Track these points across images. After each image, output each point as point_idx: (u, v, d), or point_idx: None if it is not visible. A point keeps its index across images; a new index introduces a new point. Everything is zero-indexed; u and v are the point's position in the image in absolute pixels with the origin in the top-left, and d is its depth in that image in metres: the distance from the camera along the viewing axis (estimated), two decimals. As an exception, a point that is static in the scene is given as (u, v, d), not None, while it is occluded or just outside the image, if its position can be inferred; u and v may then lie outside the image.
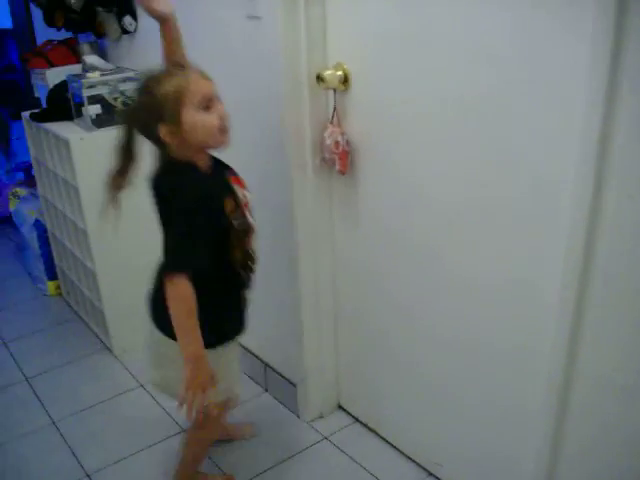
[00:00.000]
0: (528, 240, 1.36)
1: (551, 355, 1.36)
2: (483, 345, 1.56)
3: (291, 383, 2.15)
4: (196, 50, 1.57)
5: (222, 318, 1.56)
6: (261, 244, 1.59)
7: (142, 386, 2.34)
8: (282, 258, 1.94)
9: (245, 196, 1.53)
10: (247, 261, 1.55)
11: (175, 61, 1.50)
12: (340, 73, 1.63)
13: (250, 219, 1.53)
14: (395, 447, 1.97)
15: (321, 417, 2.14)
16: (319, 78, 1.62)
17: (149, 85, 1.40)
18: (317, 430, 2.09)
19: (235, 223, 1.47)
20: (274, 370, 2.24)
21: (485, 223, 1.44)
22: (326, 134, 1.69)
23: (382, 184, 1.69)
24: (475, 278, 1.51)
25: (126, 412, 2.23)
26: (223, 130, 1.42)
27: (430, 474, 1.87)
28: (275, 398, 2.26)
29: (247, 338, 2.30)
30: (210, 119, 1.39)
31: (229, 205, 1.46)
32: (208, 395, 1.46)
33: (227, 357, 1.62)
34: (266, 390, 2.31)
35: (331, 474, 1.91)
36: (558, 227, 1.27)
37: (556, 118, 1.22)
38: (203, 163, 1.46)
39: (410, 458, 1.92)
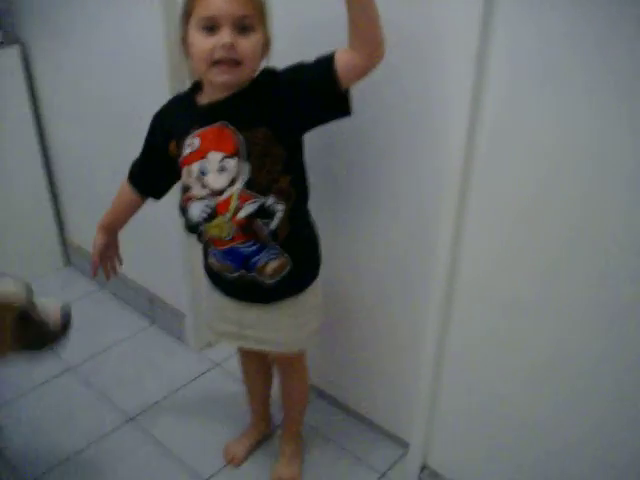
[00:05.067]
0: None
1: (432, 269, 1.42)
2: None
3: (179, 313, 2.14)
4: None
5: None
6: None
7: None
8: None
9: (207, 159, 1.26)
10: (187, 223, 1.37)
11: None
12: None
13: (193, 183, 1.30)
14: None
15: (210, 346, 2.15)
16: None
17: None
18: (208, 357, 2.11)
19: (181, 171, 1.33)
20: (161, 300, 2.22)
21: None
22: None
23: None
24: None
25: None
26: (210, 62, 1.18)
27: (320, 393, 1.93)
28: (163, 329, 2.25)
29: (132, 271, 2.28)
30: (201, 44, 1.18)
31: (172, 147, 1.33)
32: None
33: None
34: (154, 322, 2.29)
35: (225, 398, 1.94)
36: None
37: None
38: (207, 94, 1.28)
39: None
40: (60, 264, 2.63)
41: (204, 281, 1.51)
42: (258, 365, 1.66)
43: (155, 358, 2.12)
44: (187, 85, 1.67)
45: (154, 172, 1.45)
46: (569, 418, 1.32)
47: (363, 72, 1.17)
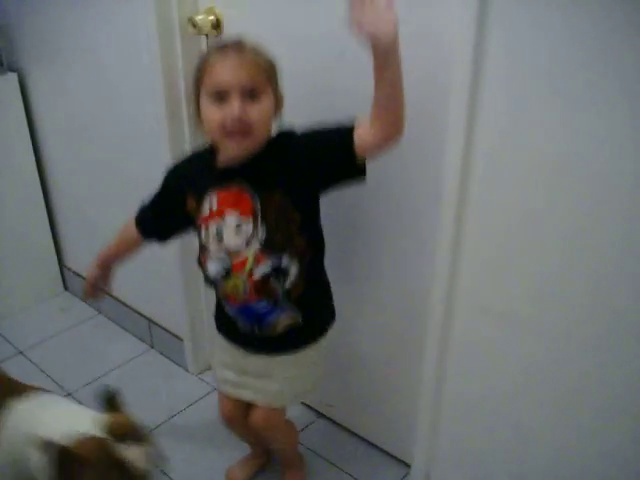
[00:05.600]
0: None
1: (433, 288, 1.42)
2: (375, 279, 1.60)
3: (177, 337, 2.14)
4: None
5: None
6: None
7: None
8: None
9: (223, 219, 1.28)
10: (206, 279, 1.40)
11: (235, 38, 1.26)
12: (212, 18, 1.57)
13: (210, 243, 1.32)
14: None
15: (209, 369, 2.14)
16: (191, 23, 1.55)
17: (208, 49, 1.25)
18: (206, 382, 2.10)
19: (200, 230, 1.35)
20: (159, 325, 2.21)
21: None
22: (200, 81, 1.63)
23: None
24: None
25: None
26: (223, 131, 1.21)
27: (320, 415, 1.93)
28: (161, 354, 2.24)
29: (130, 296, 2.28)
30: (213, 113, 1.20)
31: (190, 203, 1.34)
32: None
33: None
34: (152, 347, 2.28)
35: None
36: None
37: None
38: (222, 157, 1.30)
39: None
40: (59, 289, 2.63)
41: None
42: (242, 408, 1.56)
43: (154, 382, 2.11)
44: (183, 109, 1.71)
45: (164, 223, 1.47)
46: (580, 439, 1.32)
47: (379, 151, 1.20)
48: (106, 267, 1.59)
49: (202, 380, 2.11)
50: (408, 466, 1.71)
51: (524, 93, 1.13)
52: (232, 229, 1.28)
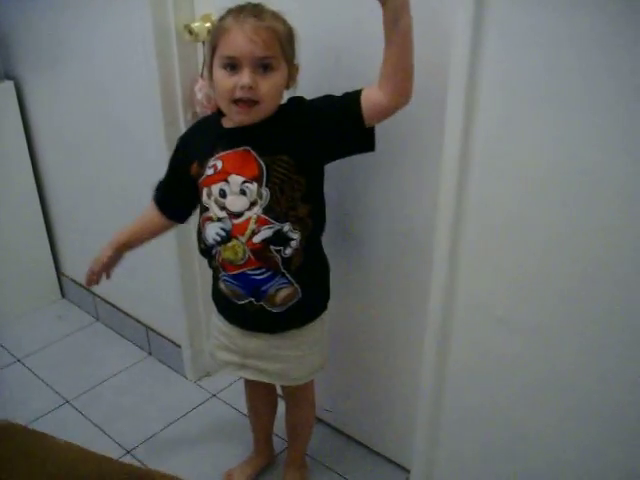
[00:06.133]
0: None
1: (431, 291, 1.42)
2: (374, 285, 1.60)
3: (175, 344, 2.14)
4: None
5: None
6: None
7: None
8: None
9: (227, 181, 1.27)
10: (201, 245, 1.39)
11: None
12: (208, 25, 1.58)
13: (211, 204, 1.31)
14: (282, 396, 2.01)
15: (208, 375, 2.14)
16: (188, 30, 1.56)
17: (227, 11, 1.23)
18: (205, 388, 2.10)
19: (201, 192, 1.33)
20: (157, 332, 2.21)
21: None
22: (197, 88, 1.63)
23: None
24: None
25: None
26: (230, 100, 1.21)
27: (319, 420, 1.93)
28: (160, 361, 2.24)
29: (128, 302, 2.28)
30: (224, 82, 1.20)
31: (194, 167, 1.33)
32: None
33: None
34: (150, 354, 2.28)
35: (223, 428, 1.93)
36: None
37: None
38: (229, 122, 1.30)
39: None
40: (56, 296, 2.62)
41: (209, 309, 1.50)
42: (264, 395, 1.64)
43: (152, 390, 2.10)
44: (180, 116, 1.72)
45: (178, 194, 1.43)
46: (576, 445, 1.32)
47: (388, 113, 1.21)
48: (121, 252, 1.50)
49: (201, 387, 2.10)
50: (407, 471, 1.71)
51: (520, 96, 1.13)
52: (236, 191, 1.27)
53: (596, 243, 1.13)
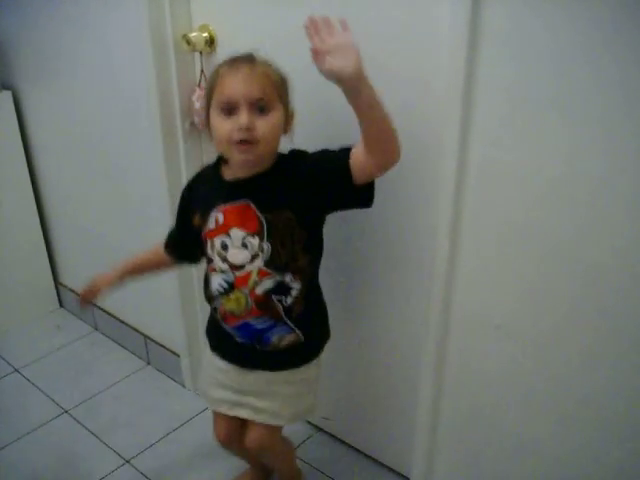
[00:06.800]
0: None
1: (428, 300, 1.42)
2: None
3: (174, 354, 2.13)
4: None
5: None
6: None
7: (14, 371, 2.23)
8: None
9: (228, 235, 1.28)
10: (206, 293, 1.40)
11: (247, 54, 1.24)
12: (206, 35, 1.58)
13: (214, 256, 1.31)
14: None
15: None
16: (186, 40, 1.56)
17: (222, 62, 1.25)
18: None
19: (205, 243, 1.34)
20: (155, 342, 2.21)
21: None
22: (194, 97, 1.64)
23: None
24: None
25: None
26: (232, 143, 1.20)
27: (318, 429, 1.92)
28: (158, 370, 2.24)
29: (126, 312, 2.28)
30: (222, 126, 1.20)
31: (196, 219, 1.34)
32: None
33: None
34: (148, 363, 2.27)
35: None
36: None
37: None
38: (232, 169, 1.29)
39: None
40: (54, 306, 2.62)
41: (203, 340, 1.49)
42: (238, 434, 1.52)
43: (151, 399, 2.10)
44: (177, 126, 1.72)
45: (188, 242, 1.43)
46: (573, 451, 1.32)
47: (374, 175, 1.20)
48: (123, 280, 1.50)
49: (199, 396, 2.09)
50: (407, 479, 1.71)
51: (518, 103, 1.14)
52: (237, 244, 1.27)
53: (594, 252, 1.14)
